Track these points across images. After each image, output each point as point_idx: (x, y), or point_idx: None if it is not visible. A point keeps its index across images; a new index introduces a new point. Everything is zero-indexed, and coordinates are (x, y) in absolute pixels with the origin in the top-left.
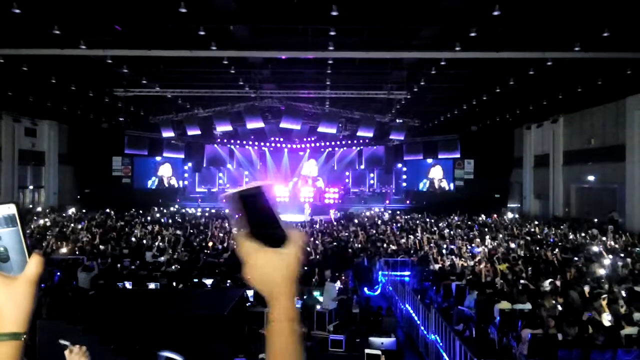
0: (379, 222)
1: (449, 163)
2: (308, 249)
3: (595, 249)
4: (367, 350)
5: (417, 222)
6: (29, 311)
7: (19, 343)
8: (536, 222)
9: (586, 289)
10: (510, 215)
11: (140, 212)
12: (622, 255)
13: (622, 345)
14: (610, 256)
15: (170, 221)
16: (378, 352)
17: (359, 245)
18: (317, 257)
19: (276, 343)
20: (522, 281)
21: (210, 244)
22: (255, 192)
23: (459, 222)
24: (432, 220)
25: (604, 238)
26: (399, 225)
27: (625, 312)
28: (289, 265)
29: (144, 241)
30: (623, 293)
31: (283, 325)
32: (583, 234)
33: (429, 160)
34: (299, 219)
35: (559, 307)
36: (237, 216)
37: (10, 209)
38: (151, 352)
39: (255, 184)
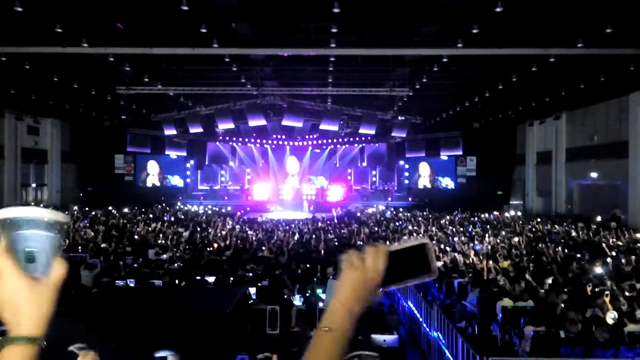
0: (381, 219)
1: (450, 160)
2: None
3: (598, 246)
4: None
5: (420, 219)
6: (49, 315)
7: (34, 347)
8: (538, 219)
9: (589, 286)
10: (512, 212)
11: (143, 209)
12: (625, 252)
13: (625, 343)
14: (613, 253)
15: (172, 219)
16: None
17: (361, 243)
18: (319, 254)
19: (327, 350)
20: (526, 277)
21: (215, 245)
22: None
23: (461, 219)
24: (434, 218)
25: (607, 235)
26: (400, 222)
27: (628, 309)
28: (371, 287)
29: (147, 238)
30: (627, 292)
31: (338, 336)
32: (585, 231)
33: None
34: (299, 216)
35: (562, 305)
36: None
37: (60, 217)
38: (153, 351)
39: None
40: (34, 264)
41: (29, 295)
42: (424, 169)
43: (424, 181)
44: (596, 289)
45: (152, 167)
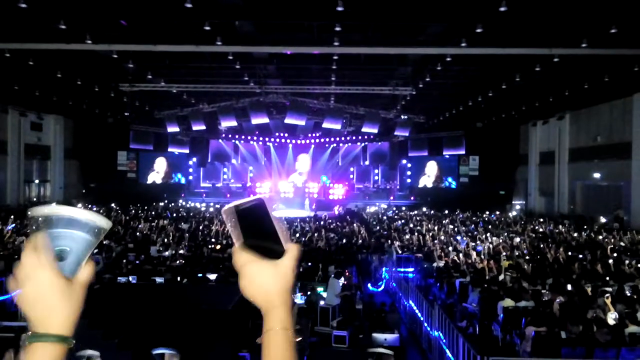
0: (384, 218)
1: (453, 159)
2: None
3: (600, 246)
4: (369, 350)
5: (421, 218)
6: (77, 316)
7: (64, 347)
8: (541, 219)
9: (588, 287)
10: (514, 212)
11: (145, 206)
12: (627, 252)
13: (625, 344)
14: (615, 254)
15: (175, 215)
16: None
17: (361, 241)
18: (321, 252)
19: (272, 352)
20: (525, 278)
21: (218, 246)
22: (253, 204)
23: (463, 219)
24: (436, 217)
25: (610, 236)
26: (403, 221)
27: (629, 310)
28: (284, 276)
29: (149, 235)
30: (628, 293)
31: (279, 335)
32: (588, 232)
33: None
34: (301, 214)
35: (562, 305)
36: (232, 229)
37: (104, 224)
38: (154, 348)
39: (254, 197)
40: (62, 263)
41: (62, 294)
42: (431, 168)
43: (425, 180)
44: (597, 290)
45: (160, 164)
